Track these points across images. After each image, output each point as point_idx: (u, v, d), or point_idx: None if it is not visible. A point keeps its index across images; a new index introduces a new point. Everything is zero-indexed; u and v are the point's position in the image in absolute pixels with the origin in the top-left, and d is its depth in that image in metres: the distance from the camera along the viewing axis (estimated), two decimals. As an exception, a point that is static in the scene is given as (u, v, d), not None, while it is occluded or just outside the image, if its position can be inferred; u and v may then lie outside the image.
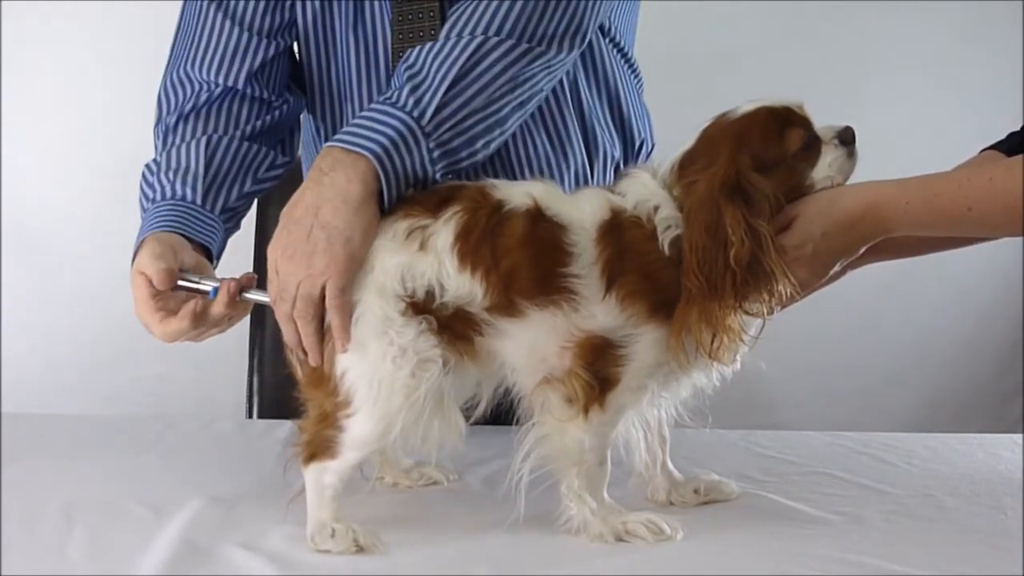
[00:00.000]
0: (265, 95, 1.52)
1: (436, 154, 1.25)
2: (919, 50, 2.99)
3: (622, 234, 1.15)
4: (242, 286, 1.27)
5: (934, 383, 3.06)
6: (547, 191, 1.19)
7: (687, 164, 1.19)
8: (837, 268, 1.22)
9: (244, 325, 1.85)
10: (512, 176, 1.51)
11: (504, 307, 1.14)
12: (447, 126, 1.26)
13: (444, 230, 1.15)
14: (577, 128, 1.57)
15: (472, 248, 1.14)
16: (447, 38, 1.30)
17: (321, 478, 1.15)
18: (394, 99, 1.26)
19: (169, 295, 1.29)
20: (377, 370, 1.13)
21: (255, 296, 1.28)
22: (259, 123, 1.51)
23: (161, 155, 1.45)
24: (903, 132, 2.82)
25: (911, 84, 2.96)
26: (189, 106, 1.49)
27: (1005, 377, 3.08)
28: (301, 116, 1.63)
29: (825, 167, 1.20)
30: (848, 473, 1.41)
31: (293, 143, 1.59)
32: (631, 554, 1.12)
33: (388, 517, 1.24)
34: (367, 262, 1.17)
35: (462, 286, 1.14)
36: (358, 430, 1.15)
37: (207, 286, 1.27)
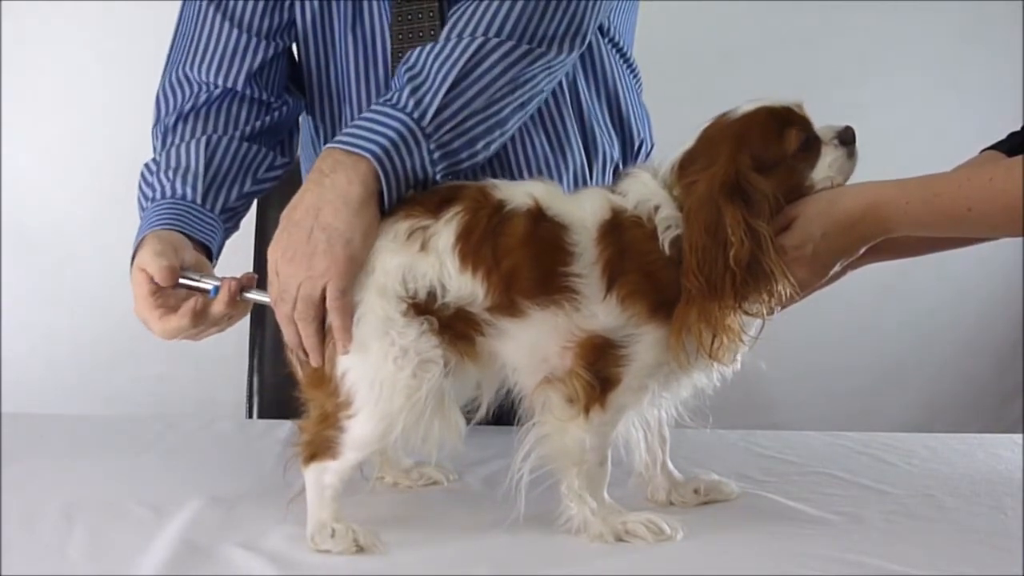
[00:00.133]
0: (264, 96, 1.52)
1: (437, 155, 1.25)
2: (918, 50, 2.99)
3: (623, 234, 1.15)
4: (243, 286, 1.27)
5: (934, 383, 3.06)
6: (548, 191, 1.19)
7: (687, 164, 1.19)
8: (837, 268, 1.22)
9: (244, 325, 1.85)
10: (510, 176, 1.51)
11: (505, 307, 1.14)
12: (447, 127, 1.26)
13: (445, 230, 1.15)
14: (576, 128, 1.57)
15: (473, 248, 1.14)
16: (447, 39, 1.30)
17: (321, 478, 1.15)
18: (394, 100, 1.26)
19: (169, 293, 1.29)
20: (378, 371, 1.13)
21: (255, 296, 1.28)
22: (258, 123, 1.51)
23: (160, 155, 1.45)
24: (903, 132, 2.82)
25: (910, 84, 2.96)
26: (188, 106, 1.49)
27: (1005, 377, 3.08)
28: (300, 117, 1.63)
29: (825, 167, 1.20)
30: (848, 473, 1.41)
31: (292, 144, 1.59)
32: (631, 554, 1.12)
33: (388, 517, 1.24)
34: (368, 263, 1.17)
35: (463, 286, 1.14)
36: (359, 430, 1.15)
37: (208, 285, 1.27)
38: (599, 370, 1.14)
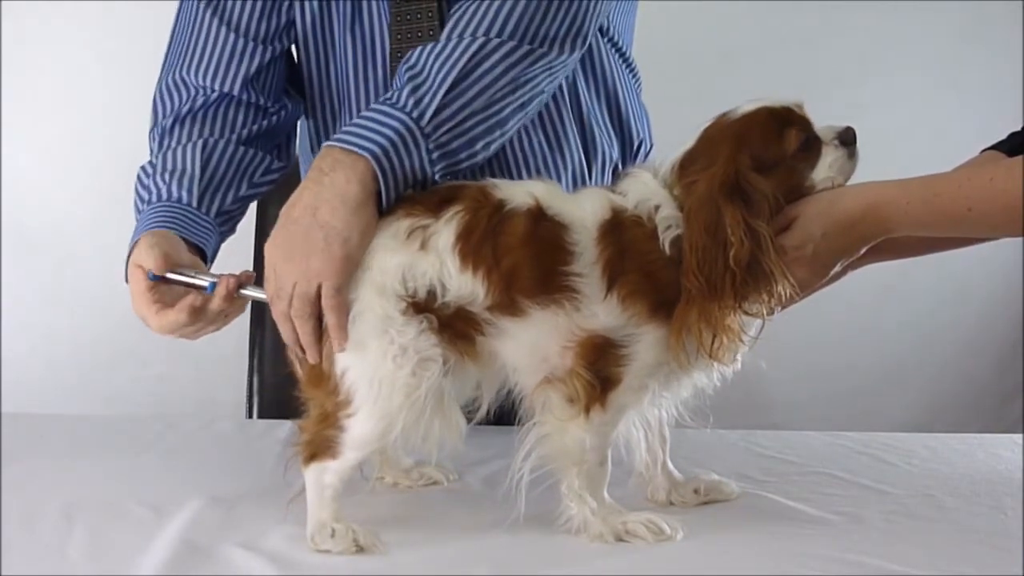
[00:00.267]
0: (261, 101, 1.52)
1: (435, 155, 1.25)
2: (918, 50, 2.99)
3: (623, 233, 1.15)
4: (240, 282, 1.27)
5: (934, 383, 3.06)
6: (548, 190, 1.19)
7: (687, 164, 1.19)
8: (838, 268, 1.22)
9: (244, 325, 1.86)
10: (509, 176, 1.51)
11: (505, 306, 1.14)
12: (447, 127, 1.26)
13: (445, 230, 1.15)
14: (575, 128, 1.57)
15: (473, 247, 1.14)
16: (448, 39, 1.30)
17: (321, 478, 1.15)
18: (394, 100, 1.26)
19: (165, 289, 1.29)
20: (378, 369, 1.13)
21: (253, 293, 1.28)
22: (255, 127, 1.51)
23: (157, 157, 1.46)
24: (903, 132, 2.82)
25: (910, 84, 2.95)
26: (185, 109, 1.49)
27: (1005, 377, 3.08)
28: (299, 121, 1.63)
29: (825, 168, 1.20)
30: (848, 473, 1.41)
31: (290, 148, 1.59)
32: (631, 554, 1.12)
33: (388, 517, 1.24)
34: (367, 261, 1.17)
35: (463, 285, 1.14)
36: (359, 429, 1.15)
37: (204, 281, 1.28)
38: (599, 370, 1.14)
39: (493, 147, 1.32)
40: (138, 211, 1.42)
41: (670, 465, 1.30)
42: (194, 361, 2.68)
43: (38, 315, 2.83)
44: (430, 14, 1.48)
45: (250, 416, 1.95)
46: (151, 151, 1.49)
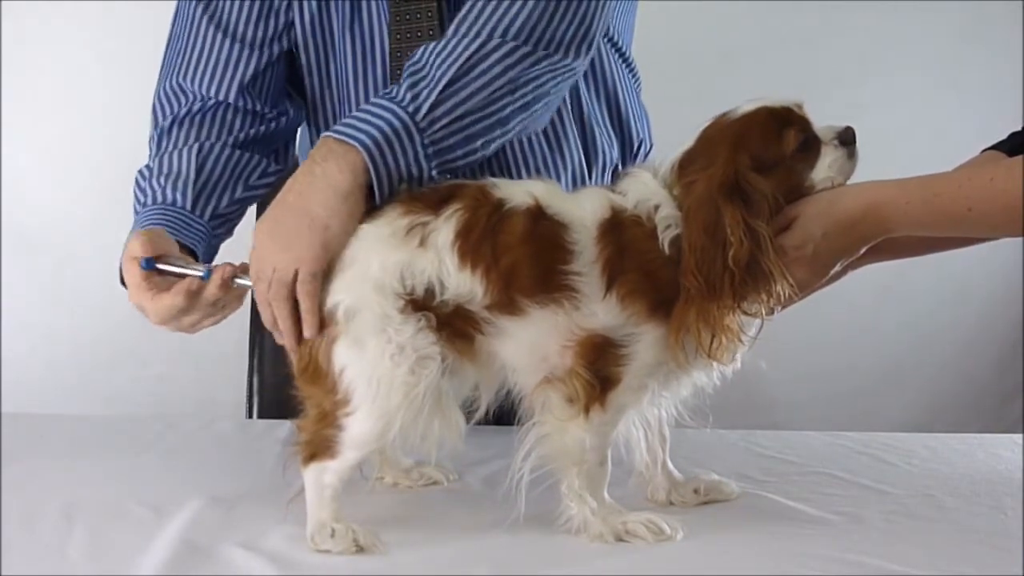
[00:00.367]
0: (258, 107, 1.52)
1: (430, 151, 1.25)
2: (918, 50, 2.99)
3: (622, 233, 1.15)
4: (236, 272, 1.28)
5: (934, 383, 3.06)
6: (548, 190, 1.19)
7: (687, 164, 1.19)
8: (837, 268, 1.22)
9: (244, 325, 1.86)
10: (508, 175, 1.51)
11: (504, 305, 1.14)
12: (441, 123, 1.26)
13: (445, 227, 1.15)
14: (574, 128, 1.57)
15: (473, 246, 1.14)
16: (452, 36, 1.29)
17: (321, 478, 1.15)
18: (393, 94, 1.26)
19: (161, 279, 1.30)
20: (376, 367, 1.13)
21: (248, 282, 1.28)
22: (252, 132, 1.51)
23: (154, 160, 1.47)
24: (903, 132, 2.81)
25: (910, 84, 2.95)
26: (183, 113, 1.50)
27: (1005, 377, 3.08)
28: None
29: (825, 168, 1.20)
30: (848, 473, 1.41)
31: (288, 152, 1.60)
32: (631, 554, 1.12)
33: (388, 517, 1.24)
34: (365, 258, 1.17)
35: (462, 284, 1.14)
36: (357, 429, 1.14)
37: (199, 271, 1.28)
38: (599, 369, 1.14)
39: (493, 146, 1.32)
40: (135, 213, 1.43)
41: (670, 465, 1.30)
42: (194, 361, 2.69)
43: (38, 315, 2.83)
44: (429, 14, 1.48)
45: (250, 416, 1.95)
46: (149, 153, 1.50)
